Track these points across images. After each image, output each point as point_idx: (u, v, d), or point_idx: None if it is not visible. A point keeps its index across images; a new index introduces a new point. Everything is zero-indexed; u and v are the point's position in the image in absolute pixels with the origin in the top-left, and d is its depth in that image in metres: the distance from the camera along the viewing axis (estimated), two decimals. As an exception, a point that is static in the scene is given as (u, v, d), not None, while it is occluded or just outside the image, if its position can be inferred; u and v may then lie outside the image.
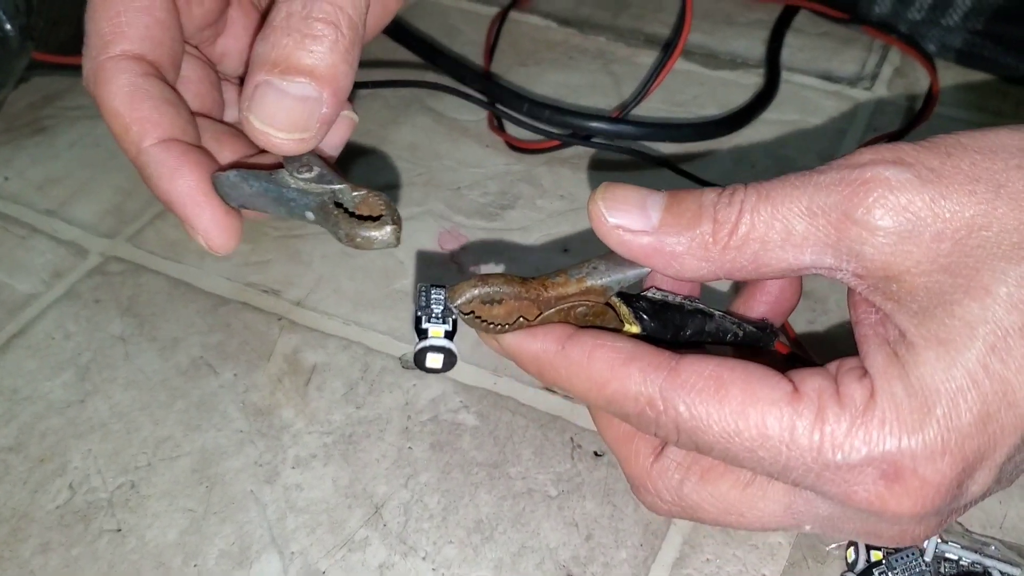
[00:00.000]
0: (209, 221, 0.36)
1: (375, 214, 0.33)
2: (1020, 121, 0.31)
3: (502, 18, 0.70)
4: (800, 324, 0.47)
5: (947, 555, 0.37)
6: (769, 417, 0.29)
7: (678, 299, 0.34)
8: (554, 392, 0.45)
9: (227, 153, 0.39)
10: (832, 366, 0.30)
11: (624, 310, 0.33)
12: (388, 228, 0.33)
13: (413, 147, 0.59)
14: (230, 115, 0.44)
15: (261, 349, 0.48)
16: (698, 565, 0.39)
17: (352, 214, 0.34)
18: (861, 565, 0.37)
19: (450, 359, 0.36)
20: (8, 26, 0.53)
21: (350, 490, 0.42)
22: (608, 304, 0.33)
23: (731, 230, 0.30)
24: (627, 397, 0.31)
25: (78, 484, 0.42)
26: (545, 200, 0.55)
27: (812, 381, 0.29)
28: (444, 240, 0.53)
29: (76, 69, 0.61)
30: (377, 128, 0.61)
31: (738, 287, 0.47)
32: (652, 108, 0.61)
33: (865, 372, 0.29)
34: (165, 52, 0.37)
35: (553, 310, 0.33)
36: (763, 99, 0.61)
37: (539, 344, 0.33)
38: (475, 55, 0.67)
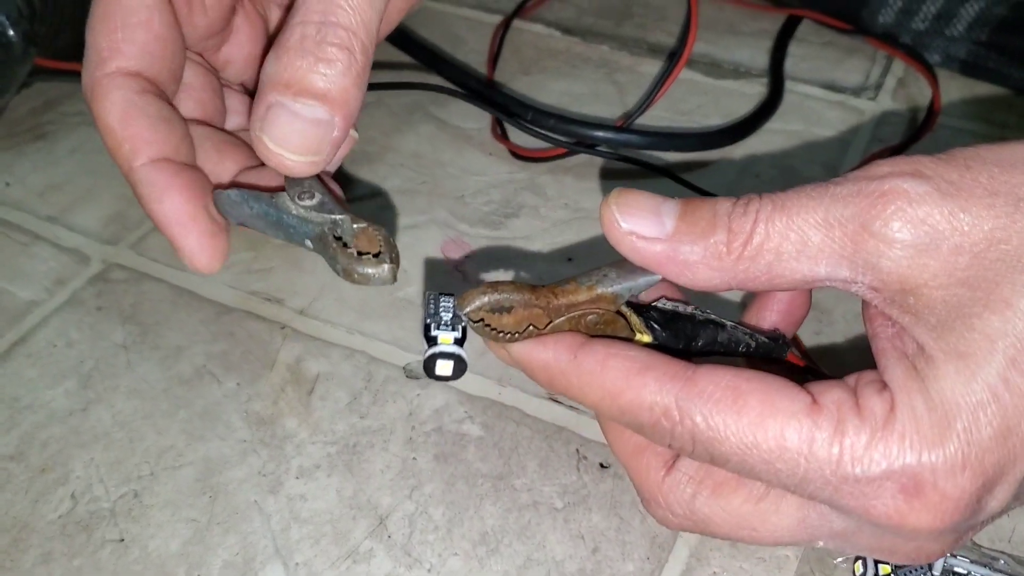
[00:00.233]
0: (195, 243, 0.36)
1: (373, 249, 0.34)
2: (1025, 133, 0.31)
3: (505, 26, 0.69)
4: (807, 336, 0.47)
5: (956, 569, 0.37)
6: (788, 429, 0.28)
7: (689, 309, 0.34)
8: (559, 402, 0.45)
9: (228, 163, 0.39)
10: (851, 379, 0.30)
11: (635, 319, 0.33)
12: (385, 267, 0.33)
13: (417, 155, 0.59)
14: (232, 123, 0.44)
15: (264, 358, 0.47)
16: (705, 578, 0.39)
17: (349, 248, 0.34)
18: (869, 579, 0.37)
19: (460, 366, 0.36)
20: (11, 32, 0.53)
21: (354, 501, 0.41)
22: (619, 313, 0.33)
23: (745, 240, 0.29)
24: (642, 407, 0.30)
25: (80, 493, 0.42)
26: (549, 209, 0.55)
27: (831, 393, 0.29)
28: (448, 248, 0.53)
29: (78, 75, 0.61)
30: (381, 136, 0.61)
31: (748, 298, 0.47)
32: (656, 117, 0.61)
33: (884, 385, 0.29)
34: (164, 67, 0.37)
35: (563, 318, 0.33)
36: (767, 109, 0.61)
37: (550, 353, 0.32)
38: (478, 63, 0.67)
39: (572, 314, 0.33)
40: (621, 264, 0.32)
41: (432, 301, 0.36)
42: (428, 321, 0.36)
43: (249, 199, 0.35)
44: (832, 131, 0.60)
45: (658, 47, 0.68)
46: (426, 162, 0.59)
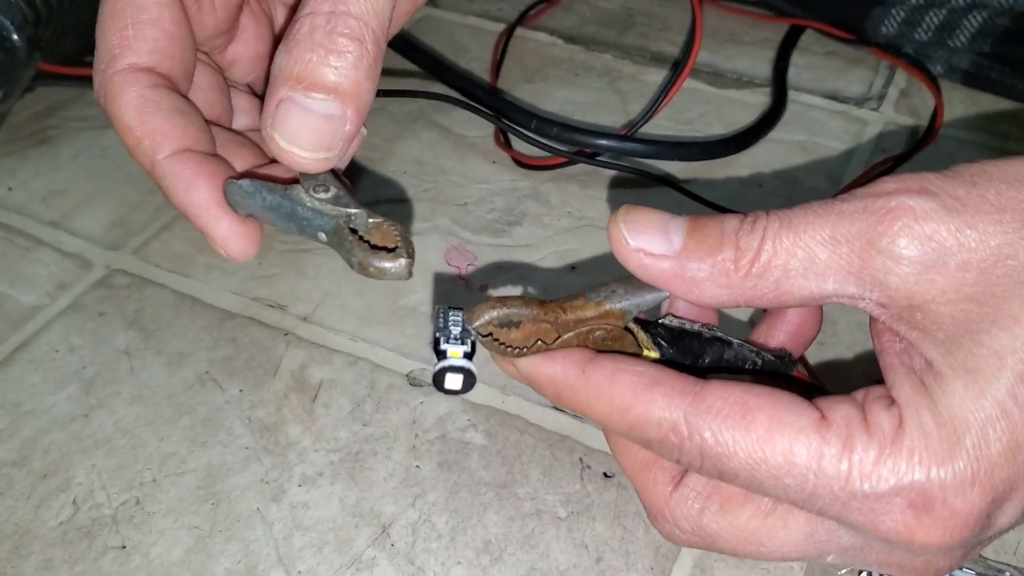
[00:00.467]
0: (227, 230, 0.36)
1: (389, 244, 0.33)
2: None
3: (508, 34, 0.70)
4: (811, 347, 0.47)
5: (961, 581, 0.37)
6: (797, 444, 0.28)
7: (696, 326, 0.34)
8: (563, 411, 0.45)
9: (237, 162, 0.39)
10: (859, 394, 0.30)
11: (643, 335, 0.33)
12: (402, 261, 0.33)
13: (419, 162, 0.59)
14: (239, 122, 0.44)
15: (267, 365, 0.47)
16: (709, 589, 0.38)
17: (365, 241, 0.33)
18: (874, 590, 0.37)
19: (469, 380, 0.36)
20: (15, 36, 0.53)
21: (357, 509, 0.41)
22: (627, 329, 0.33)
23: (753, 257, 0.29)
24: (650, 422, 0.30)
25: (82, 500, 0.42)
26: (552, 217, 0.55)
27: (839, 409, 0.29)
28: (451, 256, 0.53)
29: (81, 80, 0.62)
30: (383, 143, 0.61)
31: (755, 316, 0.47)
32: (659, 126, 0.61)
33: (893, 401, 0.29)
34: (176, 64, 0.37)
35: (571, 333, 0.33)
36: (770, 118, 0.61)
37: (558, 368, 0.32)
38: (481, 71, 0.67)
39: (580, 329, 0.33)
40: (629, 280, 0.32)
41: (441, 315, 0.36)
42: (437, 335, 0.36)
43: (262, 190, 0.35)
44: (835, 141, 0.60)
45: (661, 56, 0.68)
46: (429, 169, 0.59)
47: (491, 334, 0.32)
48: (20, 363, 0.48)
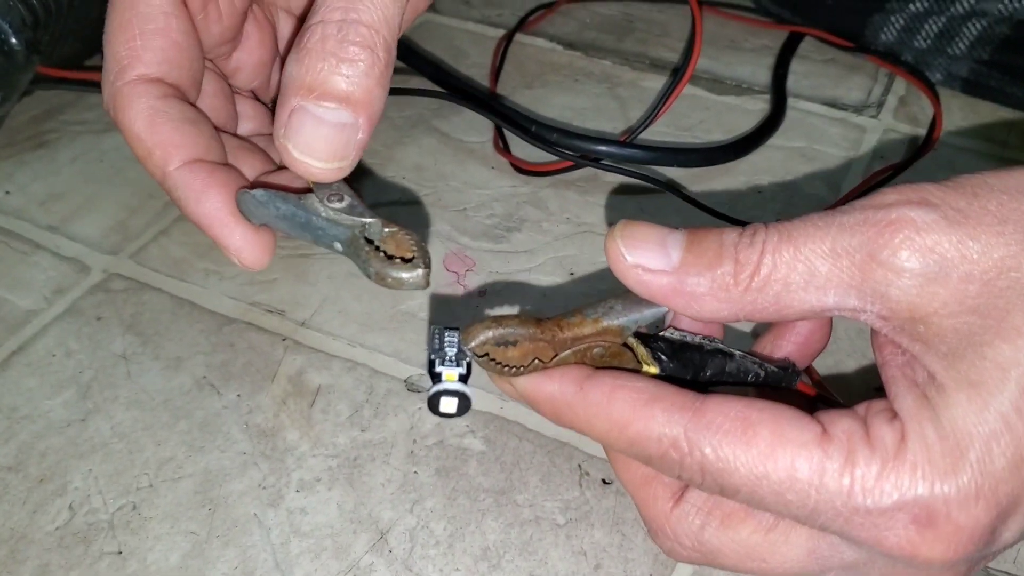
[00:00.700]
0: (241, 240, 0.36)
1: (405, 254, 0.33)
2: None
3: (508, 40, 0.70)
4: (809, 352, 0.47)
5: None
6: (798, 460, 0.28)
7: (697, 339, 0.34)
8: (562, 418, 0.44)
9: (245, 169, 0.39)
10: (860, 408, 0.30)
11: (642, 351, 0.33)
12: (419, 271, 0.32)
13: (419, 168, 0.59)
14: (243, 128, 0.44)
15: (265, 370, 0.47)
16: (708, 596, 0.38)
17: (381, 251, 0.33)
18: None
19: (464, 403, 0.35)
20: (14, 39, 0.52)
21: (355, 515, 0.41)
22: (625, 345, 0.33)
23: (753, 271, 0.29)
24: (650, 439, 0.30)
25: (78, 505, 0.42)
26: (551, 223, 0.55)
27: (841, 423, 0.29)
28: (450, 262, 0.53)
29: (80, 83, 0.62)
30: (383, 148, 0.60)
31: (759, 328, 0.47)
32: (657, 132, 0.61)
33: (895, 414, 0.28)
34: (184, 73, 0.37)
35: (569, 351, 0.32)
36: (770, 125, 0.61)
37: (556, 385, 0.32)
38: (481, 76, 0.67)
39: (578, 347, 0.32)
40: (627, 296, 0.32)
41: (437, 336, 0.35)
42: (432, 357, 0.35)
43: (276, 199, 0.35)
44: (834, 148, 0.60)
45: (660, 62, 0.68)
46: (428, 175, 0.59)
47: (487, 354, 0.32)
48: (17, 367, 0.47)
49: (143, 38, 0.36)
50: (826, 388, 0.37)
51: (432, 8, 0.74)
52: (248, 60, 0.42)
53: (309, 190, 0.35)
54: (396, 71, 0.65)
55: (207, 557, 0.40)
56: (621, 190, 0.57)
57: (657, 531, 0.34)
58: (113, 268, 0.53)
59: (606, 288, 0.49)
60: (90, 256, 0.54)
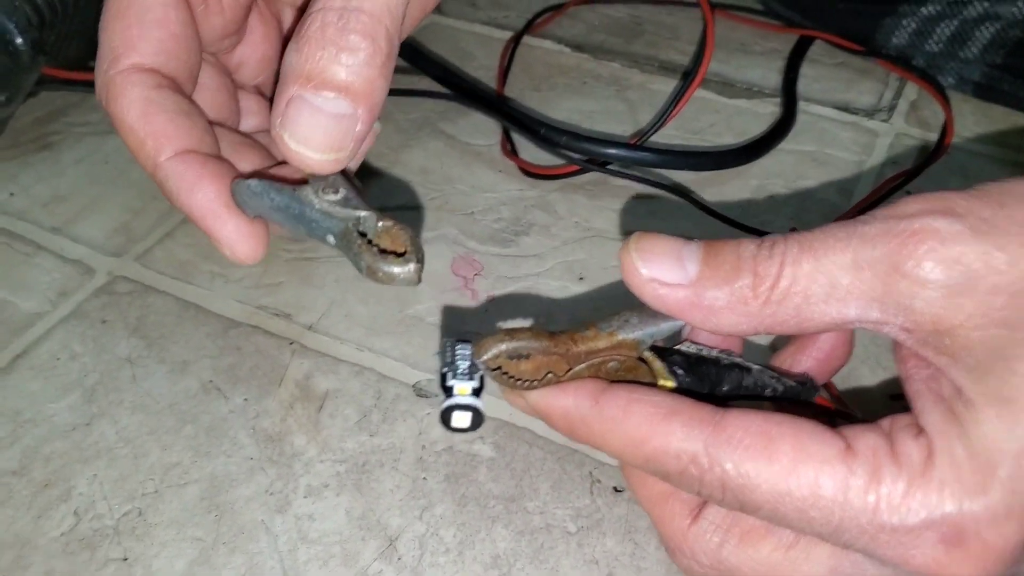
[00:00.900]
0: (233, 231, 0.35)
1: (399, 249, 0.32)
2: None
3: (516, 42, 0.69)
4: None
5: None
6: (822, 476, 0.27)
7: (714, 353, 0.33)
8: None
9: (244, 164, 0.38)
10: (885, 423, 0.29)
11: (658, 365, 0.32)
12: (411, 266, 0.32)
13: (425, 171, 0.59)
14: (246, 124, 0.43)
15: (272, 374, 0.47)
16: (722, 606, 0.38)
17: (374, 245, 0.33)
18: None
19: (477, 418, 0.35)
20: (19, 40, 0.52)
21: (363, 521, 0.40)
22: (641, 359, 0.32)
23: (772, 284, 0.28)
24: (668, 455, 0.29)
25: (83, 510, 0.41)
26: (559, 227, 0.55)
27: (866, 438, 0.28)
28: (457, 266, 0.52)
29: (85, 84, 0.61)
30: (389, 151, 0.60)
31: (778, 341, 0.47)
32: (667, 135, 0.60)
33: (921, 430, 0.28)
34: (180, 65, 0.36)
35: (583, 365, 0.32)
36: (781, 129, 0.60)
37: (570, 400, 0.31)
38: (488, 79, 0.66)
39: (592, 361, 0.32)
40: (642, 309, 0.31)
41: (449, 348, 0.35)
42: (445, 370, 0.34)
43: (270, 190, 0.34)
44: (846, 152, 0.60)
45: (669, 65, 0.68)
46: (435, 178, 0.58)
47: (500, 367, 0.31)
48: (21, 371, 0.47)
49: (140, 27, 0.35)
50: (845, 403, 0.37)
51: (438, 10, 0.74)
52: (252, 55, 0.41)
53: (306, 182, 0.34)
54: (402, 72, 0.65)
55: (213, 564, 0.39)
56: (631, 194, 0.57)
57: (675, 549, 0.33)
58: (118, 270, 0.52)
59: (616, 294, 0.49)
60: (94, 258, 0.53)
